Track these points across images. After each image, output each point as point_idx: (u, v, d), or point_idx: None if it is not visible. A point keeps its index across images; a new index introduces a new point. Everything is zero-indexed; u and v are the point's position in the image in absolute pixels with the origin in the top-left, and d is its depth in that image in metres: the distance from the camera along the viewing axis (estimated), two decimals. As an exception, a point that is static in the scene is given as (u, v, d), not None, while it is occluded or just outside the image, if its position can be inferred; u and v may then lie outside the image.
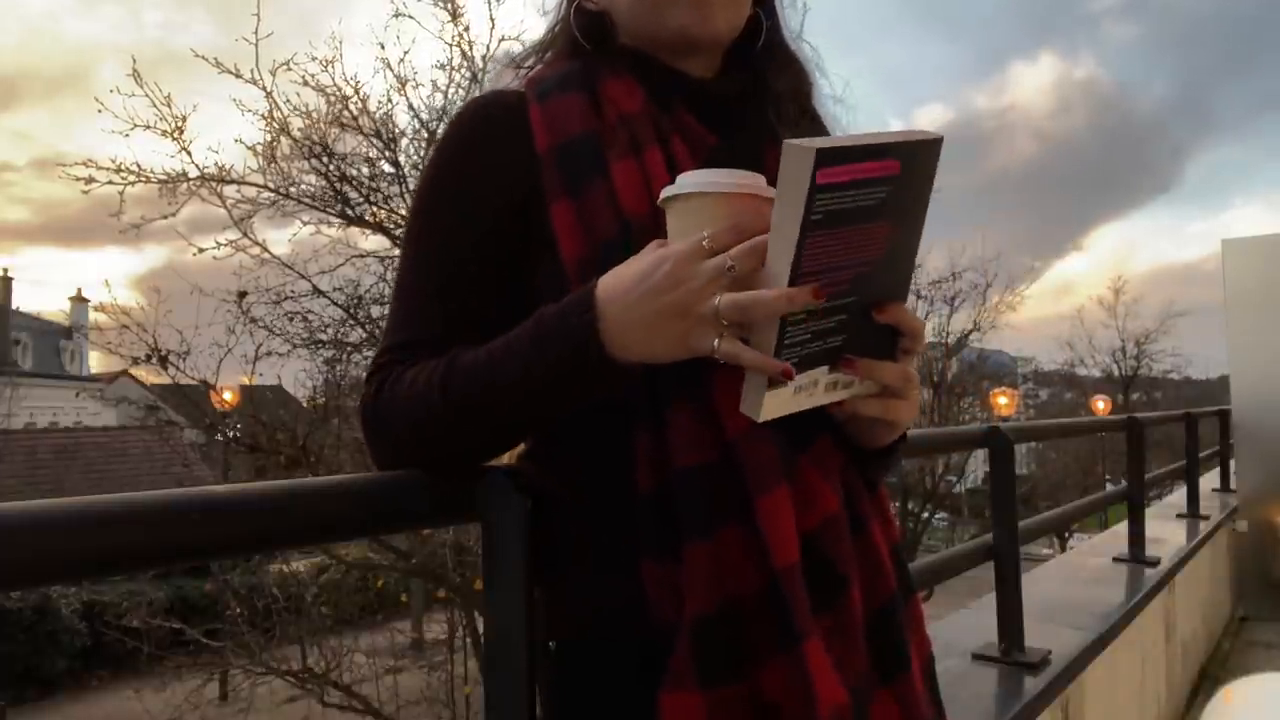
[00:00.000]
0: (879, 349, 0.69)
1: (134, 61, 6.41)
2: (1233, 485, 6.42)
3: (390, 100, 7.07)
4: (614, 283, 0.67)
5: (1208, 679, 4.59)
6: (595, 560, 0.77)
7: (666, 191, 0.68)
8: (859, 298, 0.65)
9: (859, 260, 0.63)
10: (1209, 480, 6.63)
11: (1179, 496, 5.81)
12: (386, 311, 7.59)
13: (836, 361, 0.67)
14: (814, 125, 0.90)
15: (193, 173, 6.65)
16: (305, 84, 6.78)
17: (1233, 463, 6.52)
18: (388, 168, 7.09)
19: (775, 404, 0.65)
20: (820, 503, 0.73)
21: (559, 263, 0.75)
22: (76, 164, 6.59)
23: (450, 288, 0.80)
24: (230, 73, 6.55)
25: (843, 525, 0.74)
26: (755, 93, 0.87)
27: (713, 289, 0.63)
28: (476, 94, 7.26)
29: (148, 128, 6.48)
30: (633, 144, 0.79)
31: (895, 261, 0.66)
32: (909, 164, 0.62)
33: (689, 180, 0.67)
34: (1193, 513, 5.27)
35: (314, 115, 6.91)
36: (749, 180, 0.66)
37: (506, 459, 0.86)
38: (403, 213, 7.13)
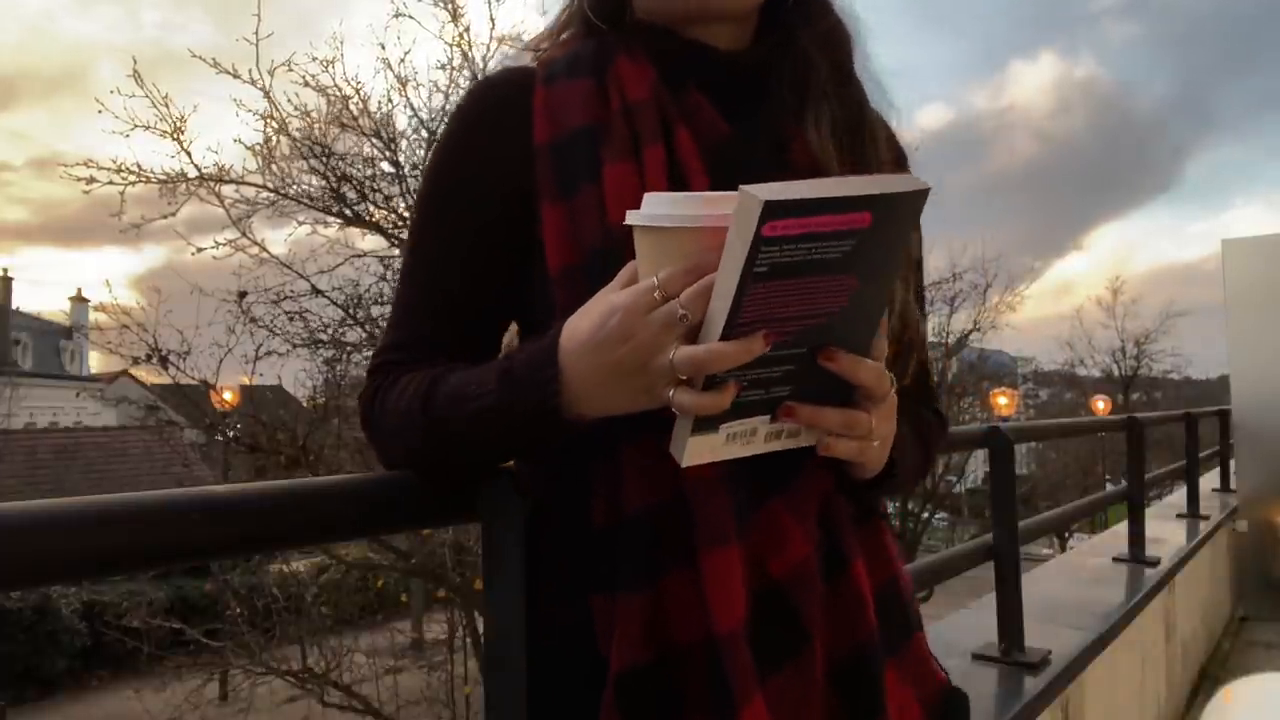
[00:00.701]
0: (842, 399, 0.64)
1: (134, 62, 6.41)
2: (1233, 485, 6.42)
3: (390, 100, 7.08)
4: (571, 334, 0.64)
5: (1208, 679, 4.59)
6: (556, 578, 0.75)
7: (630, 217, 0.62)
8: (810, 349, 0.61)
9: (813, 312, 0.59)
10: (1209, 480, 6.63)
11: (1179, 496, 5.81)
12: (387, 311, 7.60)
13: (777, 411, 0.63)
14: (849, 93, 0.79)
15: (192, 173, 6.66)
16: (306, 84, 6.79)
17: (1233, 463, 6.52)
18: (387, 168, 7.10)
19: (701, 449, 0.62)
20: (790, 549, 0.69)
21: (546, 268, 0.73)
22: (77, 164, 6.60)
23: (445, 283, 0.78)
24: (229, 73, 6.56)
25: (812, 572, 0.70)
26: (782, 60, 0.79)
27: (665, 340, 0.58)
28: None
29: (147, 128, 6.48)
30: (633, 141, 0.73)
31: (857, 315, 0.61)
32: (884, 216, 0.56)
33: (650, 211, 0.61)
34: (1193, 513, 5.27)
35: (314, 115, 6.93)
36: (715, 212, 0.58)
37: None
38: (402, 212, 7.13)
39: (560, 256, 0.72)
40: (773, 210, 0.53)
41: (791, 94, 0.78)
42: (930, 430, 0.87)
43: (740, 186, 0.53)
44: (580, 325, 0.63)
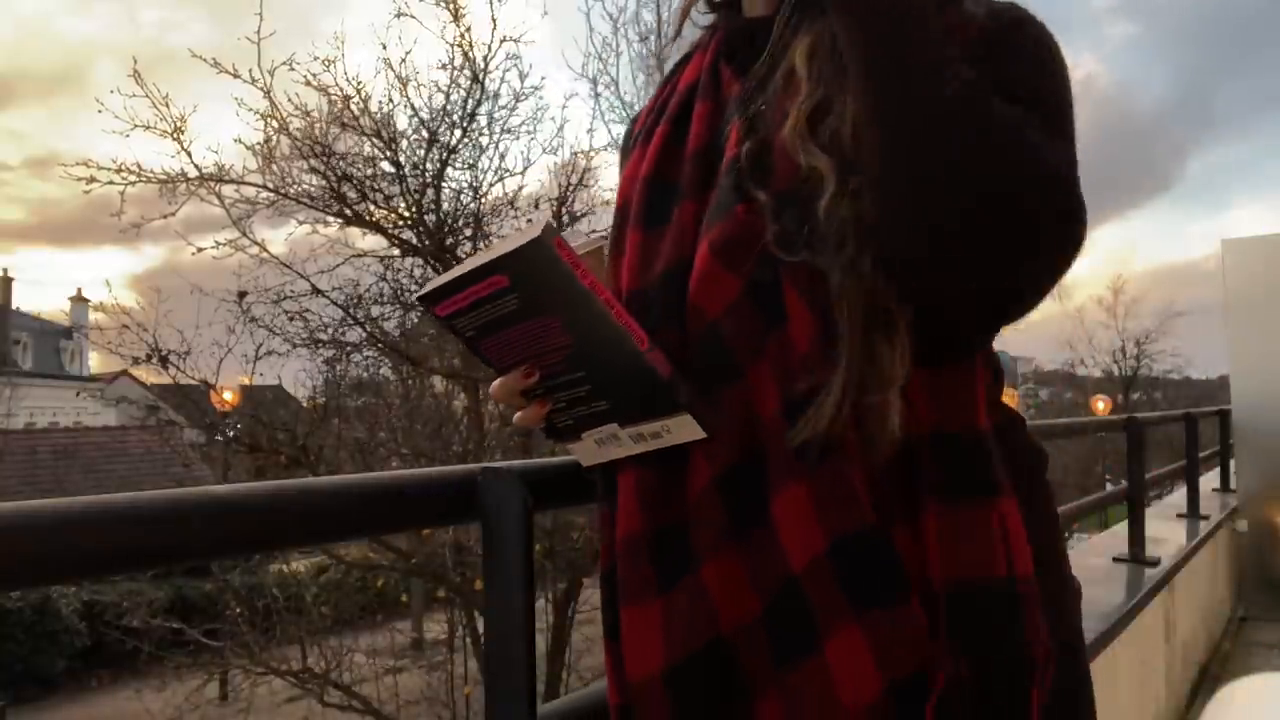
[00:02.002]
0: (654, 403, 0.71)
1: (134, 62, 6.40)
2: (1233, 485, 6.41)
3: (391, 100, 7.07)
4: None
5: (1208, 679, 4.59)
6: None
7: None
8: (588, 372, 0.71)
9: (552, 346, 0.70)
10: (1209, 480, 6.63)
11: (1179, 496, 5.81)
12: (387, 311, 7.61)
13: (624, 420, 0.73)
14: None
15: (192, 173, 6.65)
16: (307, 84, 6.78)
17: (1233, 463, 6.51)
18: (388, 167, 7.09)
19: (584, 453, 0.78)
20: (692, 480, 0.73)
21: None
22: (76, 164, 6.58)
23: None
24: (229, 73, 6.55)
25: (711, 504, 0.71)
26: (792, 20, 0.74)
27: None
28: (478, 95, 6.98)
29: (147, 128, 6.48)
30: (645, 135, 0.83)
31: (595, 338, 0.69)
32: (521, 270, 0.65)
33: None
34: (1193, 513, 5.27)
35: (314, 115, 6.91)
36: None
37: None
38: (402, 211, 7.12)
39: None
40: (430, 298, 0.69)
41: (791, 33, 0.74)
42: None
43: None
44: None
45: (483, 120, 7.19)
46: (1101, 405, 22.84)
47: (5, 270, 32.40)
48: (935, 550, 0.66)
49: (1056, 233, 0.62)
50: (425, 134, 7.07)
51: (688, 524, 0.70)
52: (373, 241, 7.35)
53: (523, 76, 7.22)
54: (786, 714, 0.66)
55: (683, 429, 0.70)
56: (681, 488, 0.71)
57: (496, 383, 0.75)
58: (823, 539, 0.66)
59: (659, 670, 0.69)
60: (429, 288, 0.69)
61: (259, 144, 6.86)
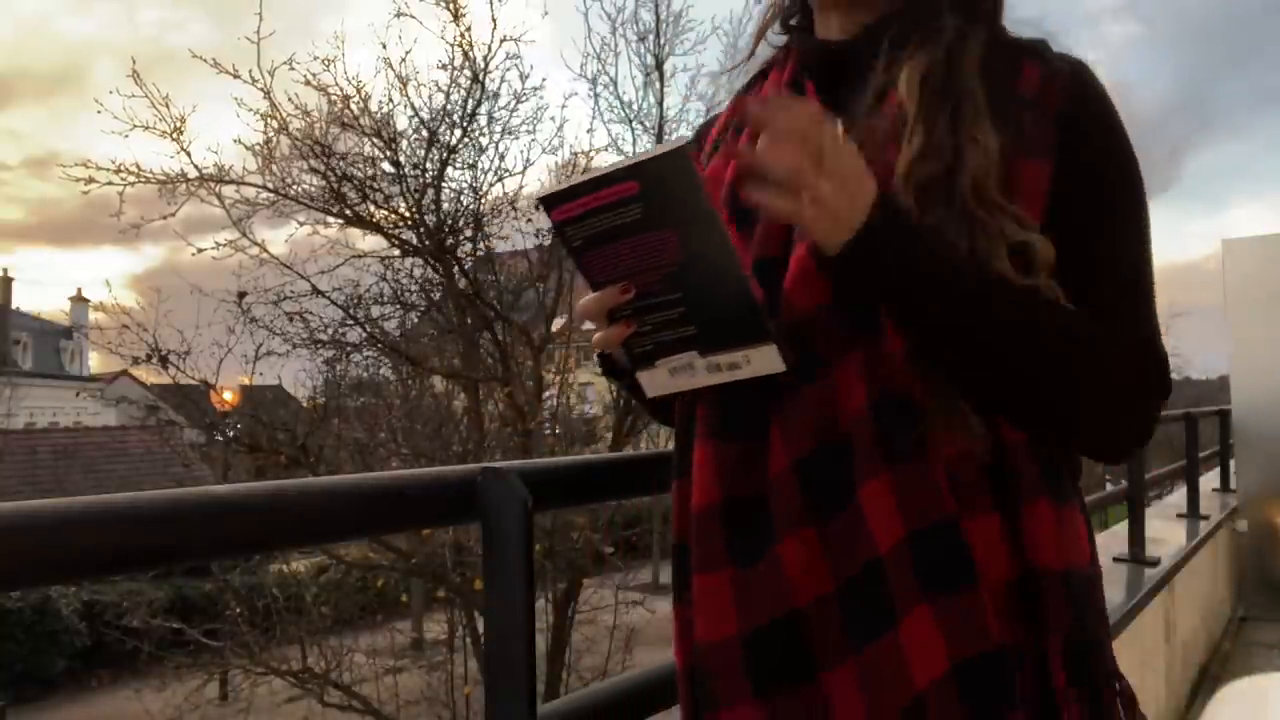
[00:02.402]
0: (744, 330, 0.73)
1: (134, 62, 6.40)
2: (1233, 485, 6.41)
3: (391, 100, 7.06)
4: None
5: (1208, 679, 4.59)
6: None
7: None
8: (686, 293, 0.73)
9: (657, 263, 0.71)
10: (1209, 480, 6.62)
11: (1179, 496, 5.81)
12: (387, 311, 7.59)
13: (706, 348, 0.75)
14: (952, 52, 0.79)
15: (192, 173, 6.65)
16: (307, 83, 6.77)
17: (1233, 463, 6.51)
18: (388, 168, 7.09)
19: (652, 383, 0.79)
20: (772, 461, 0.77)
21: None
22: (76, 164, 6.58)
23: None
24: (229, 73, 6.55)
25: (788, 485, 0.76)
26: (882, 49, 0.81)
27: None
28: (478, 94, 7.00)
29: (147, 128, 6.47)
30: (730, 140, 0.89)
31: (707, 258, 0.70)
32: (652, 179, 0.66)
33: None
34: (1193, 513, 5.27)
35: (314, 115, 6.91)
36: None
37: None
38: (402, 211, 7.11)
39: None
40: (550, 200, 0.70)
41: (892, 58, 0.80)
42: (1054, 308, 0.73)
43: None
44: None
45: (483, 120, 7.19)
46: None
47: (5, 270, 32.44)
48: (1052, 540, 0.75)
49: (1146, 399, 0.77)
50: (425, 134, 7.07)
51: (763, 500, 0.75)
52: (373, 242, 7.36)
53: (524, 77, 7.22)
54: (861, 685, 0.72)
55: (763, 360, 0.73)
56: (758, 466, 0.76)
57: (586, 299, 0.77)
58: (903, 527, 0.72)
59: (734, 635, 0.75)
60: (553, 189, 0.70)
61: (259, 144, 6.86)
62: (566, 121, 9.46)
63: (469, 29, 6.85)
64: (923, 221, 0.71)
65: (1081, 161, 0.76)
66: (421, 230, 7.05)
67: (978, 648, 0.71)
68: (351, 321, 7.31)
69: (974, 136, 0.73)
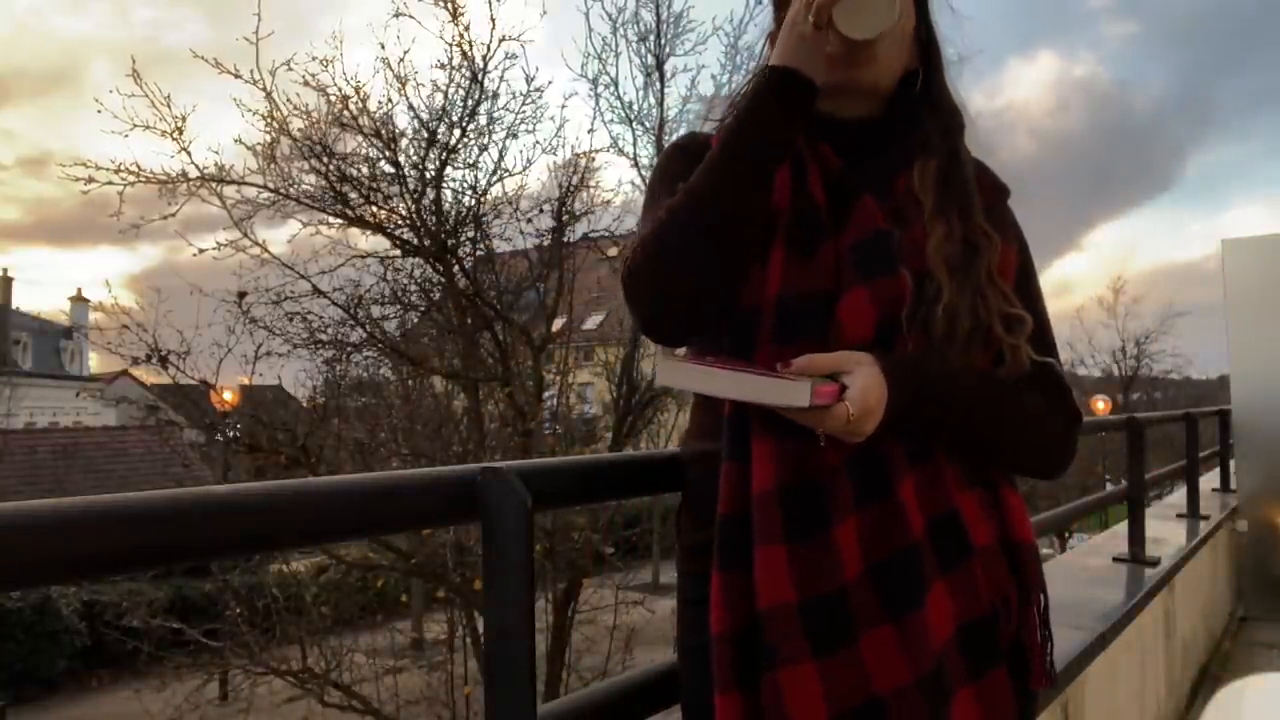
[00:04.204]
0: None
1: (134, 62, 6.39)
2: (1233, 485, 6.41)
3: (390, 100, 7.05)
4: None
5: (1208, 679, 4.59)
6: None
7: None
8: None
9: None
10: (1209, 480, 6.63)
11: (1179, 496, 5.81)
12: (388, 311, 7.59)
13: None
14: (952, 162, 1.03)
15: (192, 173, 6.64)
16: (305, 84, 6.76)
17: (1233, 463, 6.51)
18: (388, 168, 7.08)
19: (672, 373, 0.94)
20: (823, 456, 0.93)
21: None
22: (75, 164, 6.57)
23: None
24: (230, 73, 6.54)
25: (839, 475, 0.94)
26: (899, 129, 1.05)
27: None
28: (477, 94, 7.06)
29: (147, 128, 6.46)
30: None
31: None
32: None
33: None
34: (1193, 513, 5.27)
35: (314, 115, 6.90)
36: None
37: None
38: (402, 212, 7.11)
39: None
40: None
41: (904, 152, 1.04)
42: (1007, 394, 1.00)
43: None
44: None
45: (482, 120, 7.18)
46: (1101, 405, 22.82)
47: (5, 270, 32.43)
48: (1023, 518, 1.01)
49: (1068, 441, 1.07)
50: (425, 134, 7.06)
51: (817, 488, 0.92)
52: (373, 242, 7.35)
53: (529, 79, 7.21)
54: (900, 645, 0.89)
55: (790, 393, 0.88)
56: (813, 459, 0.92)
57: None
58: (923, 516, 0.93)
59: (794, 601, 0.89)
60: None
61: (259, 144, 6.85)
62: (567, 122, 9.42)
63: (468, 28, 6.84)
64: (931, 333, 0.95)
65: (1018, 247, 1.06)
66: (421, 230, 7.04)
67: (975, 612, 0.94)
68: (352, 322, 7.30)
69: (985, 230, 0.99)
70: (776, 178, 0.98)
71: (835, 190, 1.00)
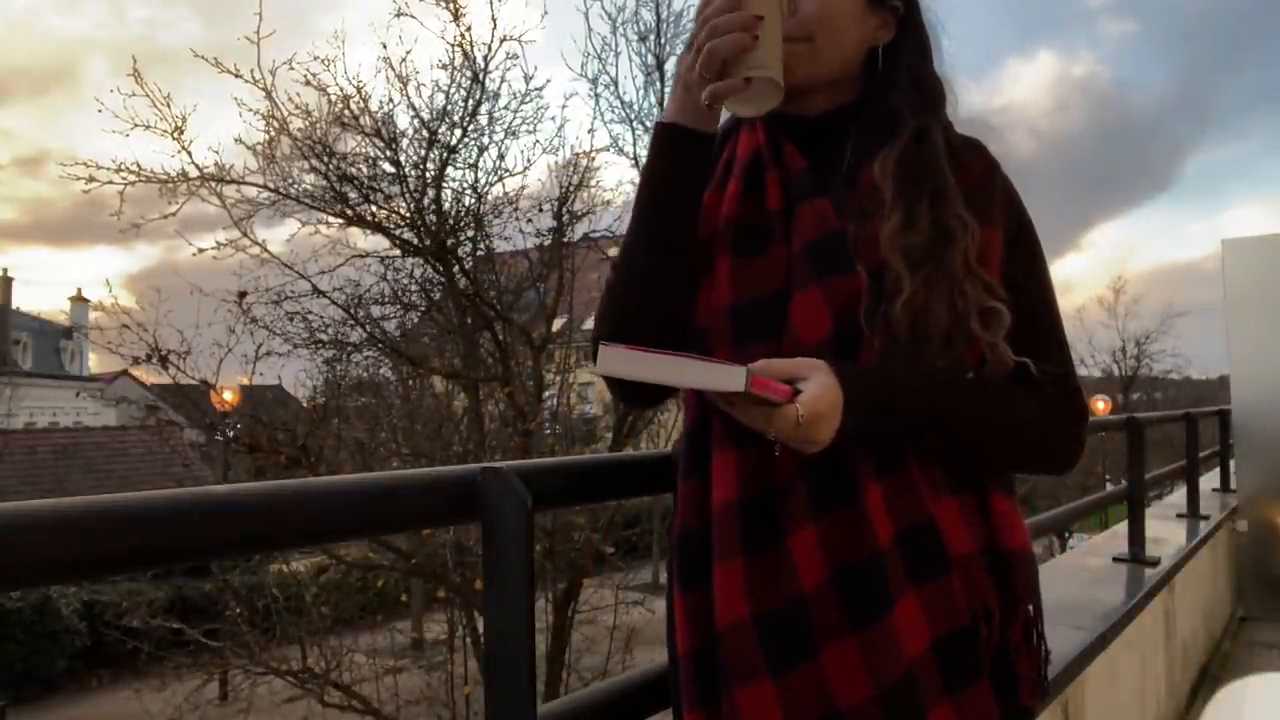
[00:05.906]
0: None
1: (135, 61, 6.39)
2: (1233, 485, 6.41)
3: (391, 100, 7.05)
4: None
5: (1208, 679, 4.59)
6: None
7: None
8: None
9: None
10: (1209, 480, 6.62)
11: (1179, 496, 5.81)
12: (388, 311, 7.59)
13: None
14: (921, 142, 0.96)
15: (192, 173, 6.64)
16: (306, 83, 6.76)
17: (1233, 463, 6.51)
18: (388, 167, 7.08)
19: (612, 362, 0.84)
20: (780, 466, 0.91)
21: None
22: (74, 164, 6.57)
23: None
24: (230, 72, 6.54)
25: (794, 484, 0.90)
26: (870, 114, 0.98)
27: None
28: (478, 94, 7.05)
29: (147, 127, 6.46)
30: (720, 182, 1.01)
31: None
32: None
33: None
34: (1193, 513, 5.26)
35: (314, 114, 6.90)
36: None
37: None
38: (402, 211, 7.11)
39: None
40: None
41: (879, 136, 0.96)
42: (995, 396, 0.95)
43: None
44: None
45: (483, 120, 7.19)
46: (1101, 405, 22.81)
47: (6, 270, 32.43)
48: (1016, 525, 0.95)
49: (1072, 440, 1.01)
50: (425, 134, 7.06)
51: (774, 499, 0.89)
52: (373, 242, 7.35)
53: (528, 78, 7.21)
54: (864, 658, 0.85)
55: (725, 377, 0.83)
56: (774, 469, 0.89)
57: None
58: (892, 526, 0.88)
59: (748, 616, 0.87)
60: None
61: (259, 144, 6.85)
62: (567, 122, 9.43)
63: (469, 29, 6.85)
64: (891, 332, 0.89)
65: (1017, 230, 0.98)
66: (422, 230, 7.04)
67: (953, 624, 0.89)
68: (352, 321, 7.30)
69: (959, 215, 0.91)
70: (728, 188, 0.98)
71: (793, 194, 0.97)
